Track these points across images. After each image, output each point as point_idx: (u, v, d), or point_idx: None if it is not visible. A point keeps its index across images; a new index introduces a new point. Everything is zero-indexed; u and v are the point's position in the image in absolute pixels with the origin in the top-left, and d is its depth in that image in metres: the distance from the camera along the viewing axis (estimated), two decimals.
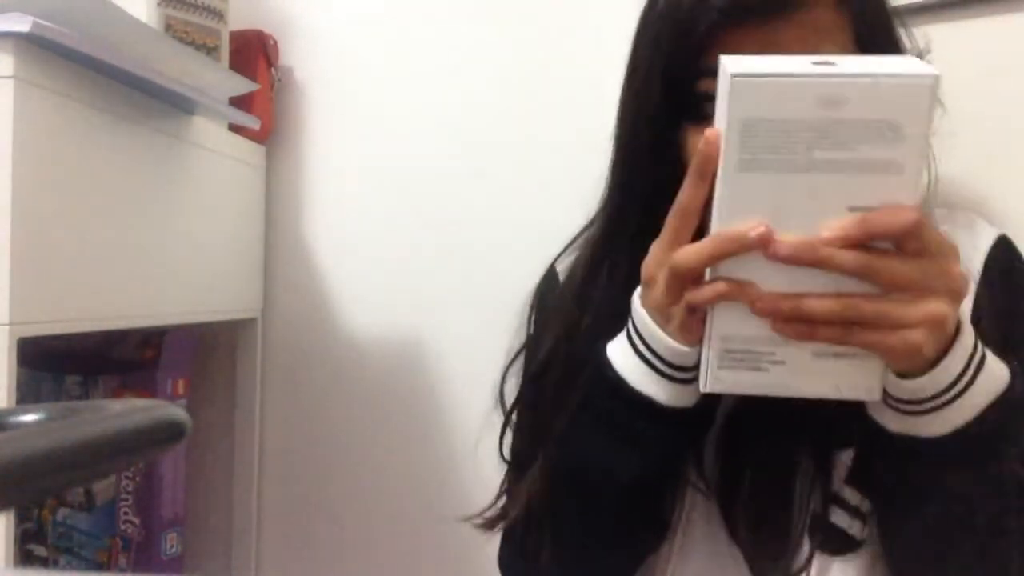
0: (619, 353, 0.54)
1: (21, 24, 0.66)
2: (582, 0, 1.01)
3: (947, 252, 0.43)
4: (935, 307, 0.42)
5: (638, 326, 0.52)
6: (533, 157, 1.03)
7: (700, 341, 0.47)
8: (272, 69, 1.11)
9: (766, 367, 0.46)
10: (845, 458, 0.56)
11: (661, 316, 0.50)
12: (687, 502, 0.59)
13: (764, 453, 0.56)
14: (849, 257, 0.42)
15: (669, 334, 0.50)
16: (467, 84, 1.07)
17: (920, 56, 0.60)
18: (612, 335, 0.54)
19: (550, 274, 0.72)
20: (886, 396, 0.47)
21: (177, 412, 0.25)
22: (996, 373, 0.46)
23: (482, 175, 1.06)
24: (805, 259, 0.42)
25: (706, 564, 0.59)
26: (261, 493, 1.16)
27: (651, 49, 0.57)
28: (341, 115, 1.13)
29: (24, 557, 1.01)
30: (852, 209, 0.42)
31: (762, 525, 0.55)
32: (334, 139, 1.13)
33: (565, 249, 0.72)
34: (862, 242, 0.42)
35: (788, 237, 0.42)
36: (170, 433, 0.24)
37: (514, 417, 0.71)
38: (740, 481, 0.56)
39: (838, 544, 0.55)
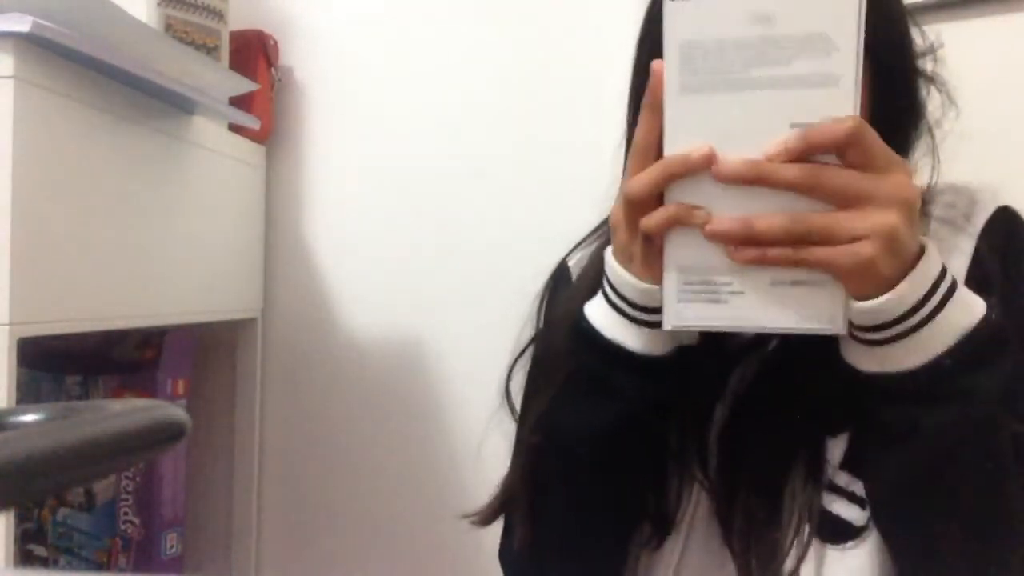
0: (593, 306, 0.54)
1: (21, 24, 0.66)
2: (582, 0, 1.01)
3: (895, 164, 0.43)
4: (883, 217, 0.41)
5: (608, 273, 0.52)
6: (533, 157, 1.03)
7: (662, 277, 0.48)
8: (272, 69, 1.11)
9: (725, 298, 0.45)
10: (841, 445, 0.54)
11: (624, 256, 0.50)
12: (693, 500, 0.59)
13: (760, 449, 0.56)
14: (792, 171, 0.42)
15: (632, 273, 0.49)
16: (467, 84, 1.07)
17: (933, 53, 0.60)
18: None
19: (561, 268, 0.71)
20: (852, 330, 0.45)
21: (177, 412, 0.25)
22: (969, 304, 0.44)
23: (482, 175, 1.06)
24: (749, 177, 0.42)
25: (710, 562, 0.59)
26: (261, 493, 1.16)
27: (658, 42, 0.57)
28: (341, 115, 1.13)
29: (24, 557, 1.01)
30: (794, 125, 0.42)
31: (754, 526, 0.55)
32: (334, 139, 1.13)
33: (578, 245, 0.71)
34: (805, 156, 0.42)
35: (732, 157, 0.43)
36: (170, 433, 0.24)
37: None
38: (737, 481, 0.56)
39: (836, 532, 0.53)
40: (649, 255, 0.48)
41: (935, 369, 0.44)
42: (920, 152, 0.59)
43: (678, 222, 0.45)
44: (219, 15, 1.01)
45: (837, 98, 0.42)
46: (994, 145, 0.77)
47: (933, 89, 0.60)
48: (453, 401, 1.07)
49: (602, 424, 0.54)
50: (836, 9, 0.41)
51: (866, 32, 0.53)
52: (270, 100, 1.12)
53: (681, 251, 0.46)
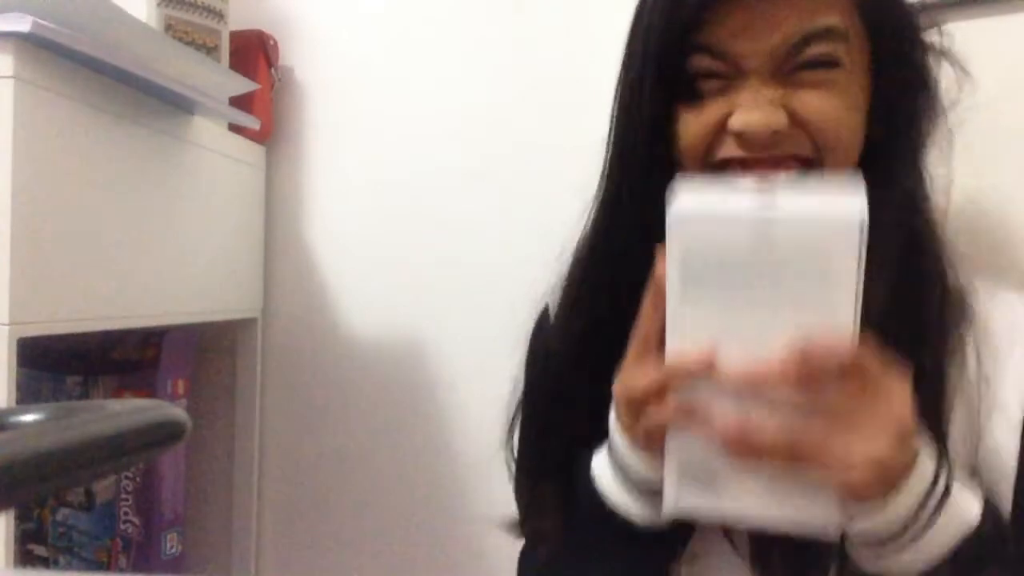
0: (599, 462, 0.55)
1: (21, 24, 0.66)
2: (583, 1, 1.01)
3: (894, 391, 0.43)
4: (876, 449, 0.42)
5: (612, 441, 0.53)
6: (533, 157, 1.03)
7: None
8: (272, 69, 1.11)
9: (723, 492, 0.47)
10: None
11: (629, 433, 0.51)
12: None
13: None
14: (788, 389, 0.42)
15: (636, 452, 0.51)
16: (467, 84, 1.07)
17: (942, 49, 0.59)
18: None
19: (543, 316, 0.71)
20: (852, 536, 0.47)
21: (177, 412, 0.25)
22: (963, 509, 0.45)
23: (482, 175, 1.06)
24: (747, 389, 0.43)
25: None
26: (261, 493, 1.16)
27: (645, 29, 0.57)
28: (341, 115, 1.13)
29: (24, 557, 1.01)
30: (793, 340, 0.43)
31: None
32: (334, 139, 1.13)
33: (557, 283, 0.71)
34: (802, 374, 0.42)
35: (732, 365, 0.43)
36: (170, 433, 0.24)
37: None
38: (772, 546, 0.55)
39: None
40: (651, 442, 0.49)
41: (935, 574, 0.44)
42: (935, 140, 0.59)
43: (678, 422, 0.46)
44: (219, 15, 1.01)
45: (836, 318, 0.42)
46: (1002, 146, 0.77)
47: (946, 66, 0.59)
48: (453, 401, 1.07)
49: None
50: (839, 236, 0.41)
51: (858, 4, 0.53)
52: (270, 100, 1.12)
53: (682, 444, 0.47)
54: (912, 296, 0.53)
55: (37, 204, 0.71)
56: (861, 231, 0.41)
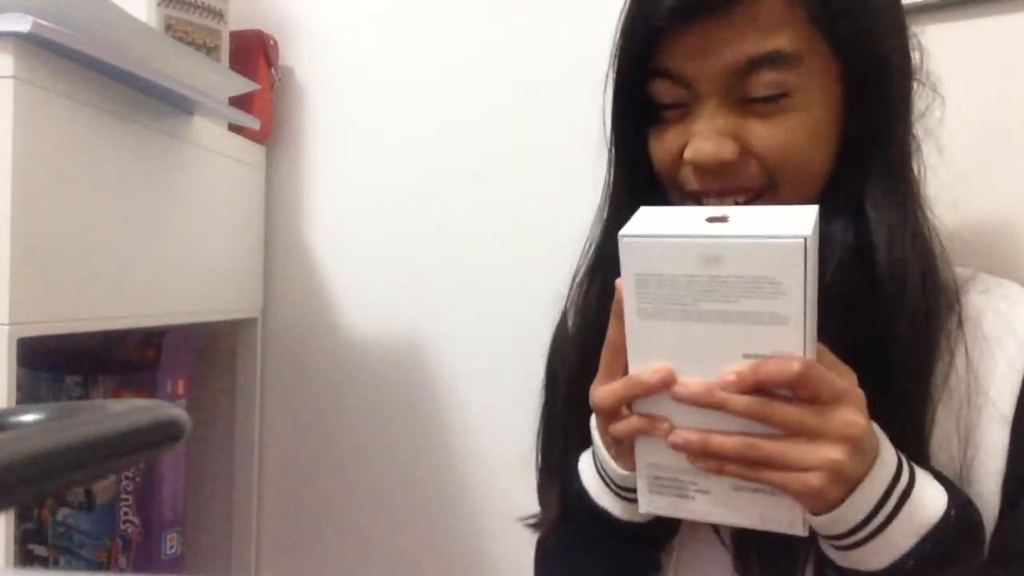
0: (584, 463, 0.59)
1: (21, 24, 0.66)
2: (583, 1, 1.01)
3: (844, 399, 0.44)
4: (830, 452, 0.44)
5: (594, 445, 0.56)
6: (533, 157, 1.03)
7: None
8: (272, 69, 1.11)
9: (692, 495, 0.49)
10: None
11: (604, 439, 0.54)
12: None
13: None
14: (743, 403, 0.44)
15: (612, 457, 0.54)
16: (467, 84, 1.07)
17: (919, 52, 0.59)
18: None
19: (562, 322, 0.72)
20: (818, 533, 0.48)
21: (177, 412, 0.25)
22: (926, 505, 0.46)
23: (482, 175, 1.06)
24: (703, 402, 0.45)
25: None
26: (261, 493, 1.16)
27: (616, 52, 0.59)
28: (341, 115, 1.13)
29: (24, 557, 1.01)
30: (746, 355, 0.44)
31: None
32: (334, 139, 1.13)
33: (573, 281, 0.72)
34: (756, 389, 0.44)
35: (690, 380, 0.45)
36: (170, 433, 0.24)
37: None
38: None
39: None
40: (623, 448, 0.52)
41: (899, 570, 0.46)
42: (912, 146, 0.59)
43: (643, 433, 0.48)
44: (219, 15, 1.01)
45: (786, 335, 0.43)
46: (994, 147, 0.77)
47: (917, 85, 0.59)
48: (453, 401, 1.07)
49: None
50: (782, 258, 0.42)
51: (817, 25, 0.53)
52: (270, 100, 1.12)
53: (649, 452, 0.49)
54: (897, 293, 0.53)
55: (37, 204, 0.71)
56: (806, 250, 0.41)
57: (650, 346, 0.47)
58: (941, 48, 0.62)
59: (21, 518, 1.01)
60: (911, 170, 0.57)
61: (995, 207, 0.77)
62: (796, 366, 0.43)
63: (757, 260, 0.42)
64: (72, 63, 0.75)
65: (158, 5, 0.95)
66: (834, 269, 0.53)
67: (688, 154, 0.54)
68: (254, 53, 1.09)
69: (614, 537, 0.57)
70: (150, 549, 1.02)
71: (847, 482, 0.45)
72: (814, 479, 0.44)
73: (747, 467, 0.45)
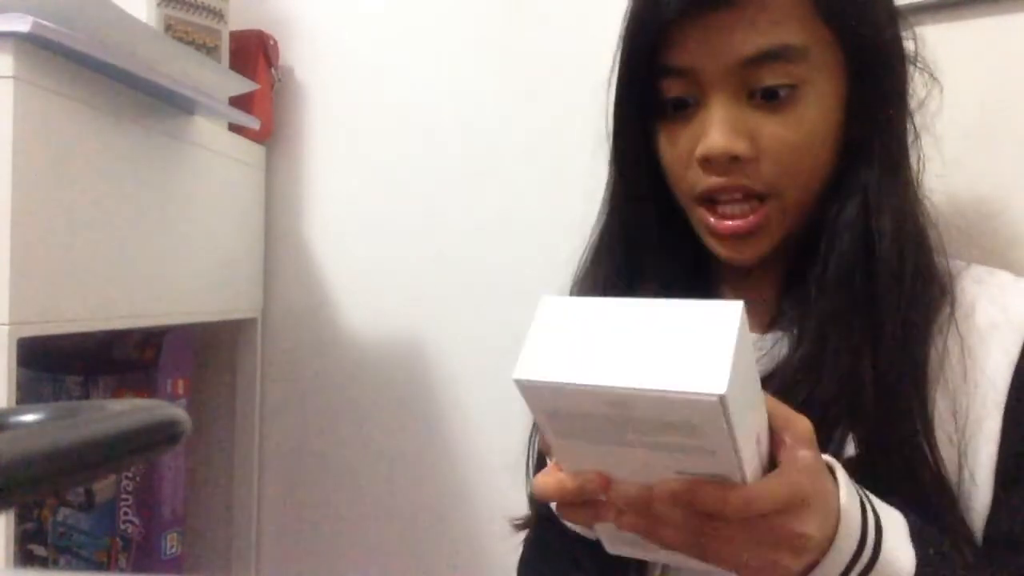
0: None
1: (21, 24, 0.66)
2: (583, 1, 1.01)
3: (789, 508, 0.41)
4: (774, 557, 0.42)
5: None
6: (534, 157, 1.03)
7: None
8: (272, 69, 1.11)
9: (650, 548, 0.45)
10: None
11: None
12: None
13: None
14: (681, 519, 0.41)
15: None
16: (468, 84, 1.07)
17: (914, 51, 0.59)
18: None
19: None
20: None
21: (177, 412, 0.25)
22: (896, 569, 0.45)
23: (482, 175, 1.06)
24: (642, 511, 0.41)
25: None
26: (261, 493, 1.16)
27: (621, 54, 0.59)
28: (341, 115, 1.13)
29: (24, 557, 1.01)
30: (679, 472, 0.40)
31: None
32: (334, 139, 1.13)
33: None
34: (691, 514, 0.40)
35: (626, 487, 0.41)
36: (170, 433, 0.24)
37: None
38: None
39: None
40: None
41: None
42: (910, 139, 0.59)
43: (589, 523, 0.46)
44: (219, 15, 1.01)
45: (719, 460, 0.38)
46: (997, 147, 0.77)
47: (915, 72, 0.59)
48: (453, 401, 1.07)
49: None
50: (698, 411, 0.36)
51: (821, 15, 0.52)
52: (270, 100, 1.12)
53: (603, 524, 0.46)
54: (894, 281, 0.53)
55: (37, 204, 0.71)
56: (724, 405, 0.35)
57: (575, 458, 0.43)
58: (938, 47, 0.62)
59: (21, 518, 1.01)
60: (908, 159, 0.58)
61: (989, 196, 0.77)
62: (732, 501, 0.39)
63: (669, 411, 0.36)
64: (72, 63, 0.75)
65: (158, 5, 0.95)
66: (835, 257, 0.54)
67: (700, 150, 0.54)
68: (254, 53, 1.09)
69: (582, 544, 0.57)
70: (150, 549, 1.02)
71: (797, 571, 0.43)
72: (758, 572, 0.43)
73: (692, 555, 0.43)
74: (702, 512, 0.40)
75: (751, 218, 0.55)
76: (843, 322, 0.53)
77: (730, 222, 0.56)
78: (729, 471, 0.39)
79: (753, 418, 0.40)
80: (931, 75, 0.61)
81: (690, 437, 0.37)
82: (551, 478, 0.45)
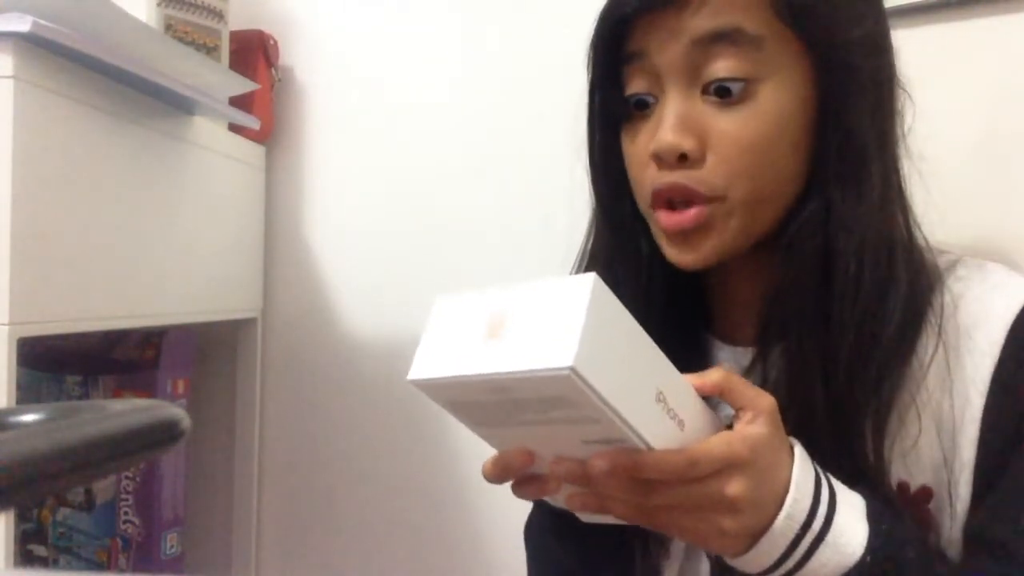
0: None
1: (21, 24, 0.66)
2: (584, 2, 1.01)
3: (723, 472, 0.43)
4: (714, 521, 0.44)
5: None
6: (535, 157, 1.03)
7: None
8: (272, 69, 1.11)
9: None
10: None
11: None
12: None
13: None
14: (619, 507, 0.44)
15: None
16: (468, 84, 1.07)
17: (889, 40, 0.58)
18: None
19: None
20: None
21: (177, 412, 0.25)
22: (844, 546, 0.45)
23: (482, 175, 1.06)
24: (579, 481, 0.42)
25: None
26: (261, 493, 1.16)
27: (589, 48, 0.60)
28: (341, 115, 1.13)
29: (24, 557, 1.01)
30: (586, 442, 0.41)
31: None
32: (334, 139, 1.13)
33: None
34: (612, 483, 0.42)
35: (568, 465, 0.42)
36: (170, 433, 0.24)
37: None
38: None
39: None
40: None
41: None
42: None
43: (538, 497, 0.48)
44: (219, 15, 1.01)
45: (606, 427, 0.39)
46: (992, 151, 0.77)
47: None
48: None
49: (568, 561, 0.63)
50: (559, 388, 0.37)
51: (780, 8, 0.51)
52: (270, 100, 1.12)
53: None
54: (848, 302, 0.52)
55: (37, 204, 0.71)
56: (577, 378, 0.36)
57: (501, 442, 0.45)
58: (938, 47, 0.61)
59: (21, 518, 1.01)
60: (884, 163, 0.55)
61: (989, 197, 0.77)
62: (646, 462, 0.41)
63: (538, 389, 0.38)
64: (72, 63, 0.75)
65: (158, 5, 0.95)
66: (792, 274, 0.54)
67: (652, 145, 0.54)
68: (254, 53, 1.09)
69: (573, 537, 0.58)
70: (150, 549, 1.02)
71: (743, 538, 0.45)
72: (706, 538, 0.45)
73: (640, 524, 0.46)
74: (638, 480, 0.41)
75: (690, 212, 0.54)
76: (798, 346, 0.53)
77: (676, 216, 0.54)
78: (622, 436, 0.40)
79: (642, 382, 0.41)
80: (903, 89, 0.59)
81: (569, 409, 0.39)
82: (488, 460, 0.47)
